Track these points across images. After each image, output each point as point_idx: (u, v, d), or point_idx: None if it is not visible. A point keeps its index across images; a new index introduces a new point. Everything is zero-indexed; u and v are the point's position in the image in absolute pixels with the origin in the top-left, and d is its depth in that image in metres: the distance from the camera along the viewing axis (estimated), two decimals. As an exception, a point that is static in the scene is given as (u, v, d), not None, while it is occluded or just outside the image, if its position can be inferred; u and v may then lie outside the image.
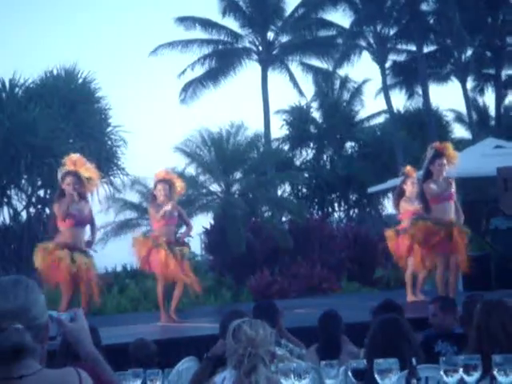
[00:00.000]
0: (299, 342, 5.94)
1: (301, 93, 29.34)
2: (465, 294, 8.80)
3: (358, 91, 30.56)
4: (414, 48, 28.75)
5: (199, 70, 28.13)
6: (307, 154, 30.35)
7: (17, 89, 21.52)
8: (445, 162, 9.57)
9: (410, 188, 10.69)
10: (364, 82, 30.44)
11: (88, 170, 8.91)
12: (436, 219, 9.59)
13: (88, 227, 9.08)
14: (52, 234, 8.94)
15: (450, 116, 31.81)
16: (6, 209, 20.92)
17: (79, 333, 2.49)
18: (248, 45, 28.68)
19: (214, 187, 19.68)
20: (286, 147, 30.15)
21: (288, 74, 28.80)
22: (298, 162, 29.98)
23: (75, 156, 9.04)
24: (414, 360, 3.51)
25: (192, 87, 28.08)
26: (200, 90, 28.11)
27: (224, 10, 27.80)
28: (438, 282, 9.63)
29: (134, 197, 20.06)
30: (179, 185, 9.96)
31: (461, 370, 3.22)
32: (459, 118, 31.67)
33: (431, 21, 28.42)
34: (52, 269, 8.58)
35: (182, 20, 27.54)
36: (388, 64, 29.23)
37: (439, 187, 9.53)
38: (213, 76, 28.12)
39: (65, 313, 2.52)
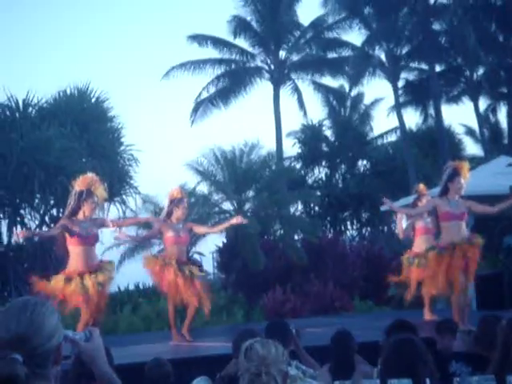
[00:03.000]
0: (315, 362, 5.89)
1: (305, 114, 29.26)
2: (478, 313, 8.76)
3: (369, 111, 30.63)
4: (426, 67, 28.80)
5: (213, 91, 28.26)
6: (319, 172, 30.42)
7: (30, 108, 21.65)
8: (463, 180, 9.55)
9: (425, 206, 10.64)
10: (375, 101, 30.52)
11: (101, 190, 8.96)
12: (442, 244, 9.57)
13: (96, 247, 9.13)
14: (62, 252, 8.97)
15: (461, 131, 31.86)
16: (19, 228, 20.99)
17: (94, 352, 2.45)
18: (260, 64, 28.78)
19: (227, 205, 19.72)
20: (298, 165, 30.20)
21: (299, 93, 28.84)
22: (310, 181, 30.01)
23: (93, 176, 9.05)
24: (428, 381, 3.49)
25: (202, 107, 28.16)
26: (210, 109, 28.18)
27: (234, 31, 27.89)
28: (454, 303, 9.56)
29: (146, 216, 20.09)
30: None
31: (475, 390, 3.20)
32: (471, 135, 31.66)
33: (443, 40, 28.46)
34: (67, 301, 8.62)
35: (195, 38, 27.68)
36: (401, 83, 29.29)
37: (452, 205, 9.49)
38: (224, 95, 28.20)
39: (80, 332, 2.50)
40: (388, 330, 5.43)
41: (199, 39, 27.73)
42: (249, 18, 28.19)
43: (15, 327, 2.15)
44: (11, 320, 2.16)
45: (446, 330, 6.07)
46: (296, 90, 28.79)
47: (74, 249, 8.73)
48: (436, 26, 28.43)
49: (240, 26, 28.00)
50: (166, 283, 9.48)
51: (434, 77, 27.86)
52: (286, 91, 28.67)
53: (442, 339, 6.00)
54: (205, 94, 28.16)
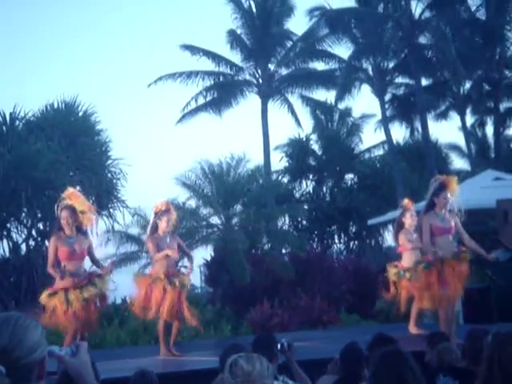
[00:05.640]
0: (307, 377, 5.87)
1: (299, 125, 29.42)
2: (466, 327, 8.77)
3: (356, 125, 30.73)
4: (412, 81, 28.94)
5: (202, 102, 28.27)
6: (307, 186, 30.44)
7: (17, 122, 21.59)
8: (449, 195, 9.58)
9: (409, 221, 10.72)
10: (363, 116, 30.65)
11: (82, 203, 8.90)
12: (431, 258, 9.57)
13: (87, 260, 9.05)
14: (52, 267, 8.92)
15: (448, 145, 31.97)
16: (5, 241, 20.91)
17: (81, 367, 2.44)
18: (248, 77, 28.84)
19: (214, 219, 19.69)
20: (286, 179, 30.22)
21: (287, 107, 28.89)
22: (297, 194, 30.03)
23: (70, 189, 9.06)
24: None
25: (191, 119, 28.22)
26: (200, 118, 28.27)
27: (231, 43, 28.05)
28: (441, 317, 9.56)
29: (133, 229, 20.08)
30: (174, 215, 9.96)
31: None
32: (458, 150, 31.79)
33: (429, 54, 28.63)
34: (53, 316, 8.58)
35: (185, 48, 27.74)
36: (387, 97, 29.40)
37: (440, 220, 9.52)
38: (213, 108, 28.24)
39: (66, 347, 2.49)
40: (370, 346, 5.42)
41: (189, 50, 27.78)
42: (239, 32, 28.31)
43: None
44: None
45: (437, 343, 6.05)
46: (286, 103, 28.81)
47: (62, 264, 8.70)
48: (422, 40, 28.60)
49: (231, 39, 28.11)
50: (155, 300, 9.46)
51: (420, 91, 27.98)
52: (274, 105, 28.74)
53: (432, 351, 5.98)
54: (193, 105, 28.17)
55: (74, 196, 8.91)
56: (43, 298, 8.68)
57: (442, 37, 26.11)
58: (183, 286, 9.56)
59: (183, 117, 28.07)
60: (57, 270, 8.56)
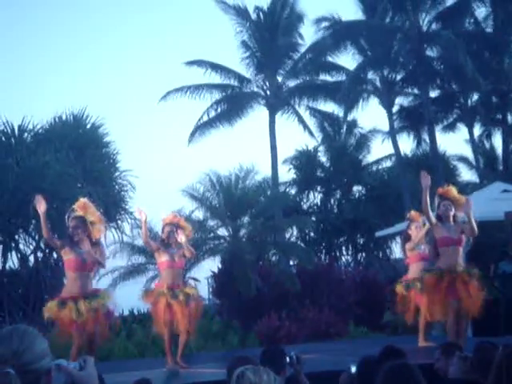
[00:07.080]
0: None
1: (312, 135, 29.42)
2: (474, 339, 8.73)
3: (365, 137, 30.70)
4: (420, 93, 28.92)
5: (210, 116, 28.33)
6: (314, 197, 30.39)
7: (26, 134, 21.67)
8: (448, 202, 9.61)
9: (414, 232, 10.74)
10: (371, 131, 30.61)
11: (93, 214, 8.93)
12: (441, 267, 9.53)
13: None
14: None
15: (456, 157, 31.91)
16: (14, 253, 20.95)
17: (88, 381, 2.47)
18: (256, 89, 28.88)
19: (222, 231, 19.69)
20: (293, 191, 30.19)
21: (297, 118, 28.89)
22: (305, 206, 29.98)
23: (82, 200, 9.09)
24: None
25: (199, 132, 28.23)
26: (207, 134, 28.27)
27: (245, 55, 28.16)
28: (449, 328, 9.53)
29: (139, 240, 20.06)
30: (187, 228, 9.98)
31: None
32: (466, 162, 31.73)
33: (438, 66, 28.62)
34: (61, 325, 8.63)
35: (192, 63, 27.84)
36: (395, 108, 29.39)
37: (449, 230, 9.50)
38: (221, 120, 28.28)
39: (73, 361, 2.50)
40: (378, 358, 5.39)
41: (196, 64, 27.86)
42: (248, 44, 28.35)
43: (8, 344, 2.23)
44: (3, 338, 2.26)
45: (452, 352, 6.01)
46: (295, 114, 28.83)
47: (71, 274, 8.74)
48: (430, 53, 28.59)
49: (244, 50, 28.20)
50: (160, 313, 9.49)
51: (428, 103, 27.98)
52: (282, 117, 28.75)
53: (446, 361, 5.93)
54: (204, 118, 28.26)
55: (84, 206, 8.95)
56: (51, 308, 8.67)
57: (455, 48, 26.06)
58: (188, 298, 9.55)
59: (193, 134, 28.09)
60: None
